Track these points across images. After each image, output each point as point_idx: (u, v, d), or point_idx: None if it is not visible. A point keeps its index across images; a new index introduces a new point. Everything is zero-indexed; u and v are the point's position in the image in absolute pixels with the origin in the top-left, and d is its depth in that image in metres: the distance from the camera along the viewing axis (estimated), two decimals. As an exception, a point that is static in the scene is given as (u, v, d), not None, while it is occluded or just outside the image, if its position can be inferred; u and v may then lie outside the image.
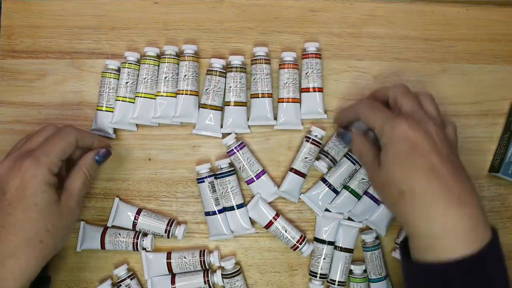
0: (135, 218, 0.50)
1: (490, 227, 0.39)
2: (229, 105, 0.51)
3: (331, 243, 0.51)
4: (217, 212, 0.50)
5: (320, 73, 0.52)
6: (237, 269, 0.50)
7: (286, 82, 0.51)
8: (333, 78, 0.54)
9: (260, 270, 0.53)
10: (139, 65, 0.52)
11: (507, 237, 0.54)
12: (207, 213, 0.51)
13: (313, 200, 0.52)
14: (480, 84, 0.55)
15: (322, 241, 0.51)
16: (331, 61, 0.54)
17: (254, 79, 0.51)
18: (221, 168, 0.51)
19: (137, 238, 0.50)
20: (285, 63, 0.51)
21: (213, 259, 0.51)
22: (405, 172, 0.40)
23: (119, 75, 0.52)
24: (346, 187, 0.51)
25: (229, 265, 0.50)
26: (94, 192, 0.52)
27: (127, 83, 0.51)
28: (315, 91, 0.52)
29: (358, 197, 0.51)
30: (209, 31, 0.54)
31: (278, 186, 0.52)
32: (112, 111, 0.51)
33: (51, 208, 0.41)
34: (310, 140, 0.51)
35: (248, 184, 0.51)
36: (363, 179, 0.51)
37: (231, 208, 0.51)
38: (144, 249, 0.50)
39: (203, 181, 0.50)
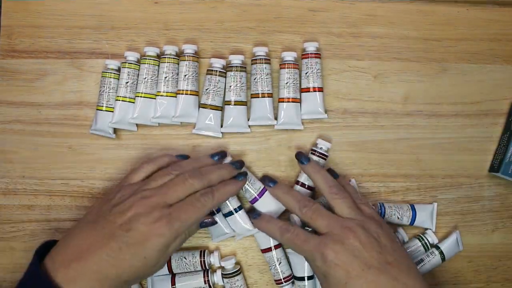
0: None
1: None
2: (229, 105, 0.51)
3: (310, 277, 0.50)
4: (215, 212, 0.50)
5: (320, 73, 0.52)
6: (237, 269, 0.50)
7: (287, 82, 0.51)
8: (333, 78, 0.54)
9: (260, 270, 0.53)
10: (139, 65, 0.52)
11: (507, 236, 0.54)
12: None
13: None
14: (480, 84, 0.55)
15: (302, 279, 0.50)
16: (331, 61, 0.54)
17: (255, 79, 0.51)
18: None
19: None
20: (285, 63, 0.51)
21: (213, 259, 0.51)
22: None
23: (119, 75, 0.52)
24: None
25: (229, 264, 0.50)
26: (94, 192, 0.53)
27: (127, 83, 0.51)
28: (315, 91, 0.52)
29: None
30: (209, 31, 0.54)
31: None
32: (112, 111, 0.51)
33: (152, 263, 0.42)
34: (316, 153, 0.51)
35: (252, 204, 0.51)
36: None
37: (230, 213, 0.50)
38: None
39: None
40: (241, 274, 0.51)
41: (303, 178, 0.51)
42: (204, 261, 0.50)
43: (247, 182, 0.50)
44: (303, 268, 0.50)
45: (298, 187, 0.51)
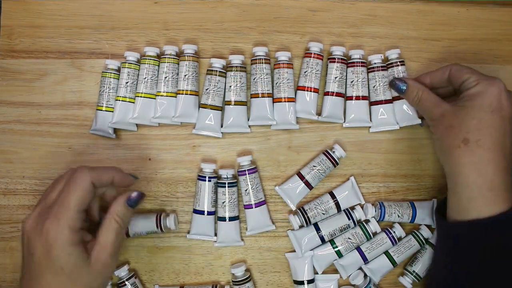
0: None
1: None
2: (229, 105, 0.51)
3: (310, 281, 0.50)
4: (208, 213, 0.50)
5: (319, 74, 0.52)
6: (247, 276, 0.50)
7: (278, 82, 0.51)
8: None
9: (260, 270, 0.53)
10: (139, 65, 0.52)
11: (507, 237, 0.54)
12: (198, 211, 0.50)
13: (297, 239, 0.51)
14: (480, 84, 0.55)
15: (301, 283, 0.50)
16: (331, 61, 0.54)
17: (254, 79, 0.51)
18: (227, 178, 0.51)
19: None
20: (279, 63, 0.51)
21: (169, 222, 0.50)
22: (481, 125, 0.43)
23: (119, 75, 0.52)
24: (331, 242, 0.51)
25: (239, 272, 0.50)
26: (94, 192, 0.53)
27: (127, 83, 0.51)
28: (310, 91, 0.52)
29: (340, 255, 0.51)
30: (209, 31, 0.54)
31: (278, 186, 0.52)
32: (112, 111, 0.51)
33: (80, 269, 0.38)
34: (329, 157, 0.51)
35: (245, 209, 0.51)
36: (349, 238, 0.51)
37: (223, 219, 0.50)
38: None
39: (209, 180, 0.50)
40: (251, 281, 0.51)
41: (303, 171, 0.52)
42: (160, 224, 0.50)
43: (251, 188, 0.50)
44: (303, 272, 0.50)
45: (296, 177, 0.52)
